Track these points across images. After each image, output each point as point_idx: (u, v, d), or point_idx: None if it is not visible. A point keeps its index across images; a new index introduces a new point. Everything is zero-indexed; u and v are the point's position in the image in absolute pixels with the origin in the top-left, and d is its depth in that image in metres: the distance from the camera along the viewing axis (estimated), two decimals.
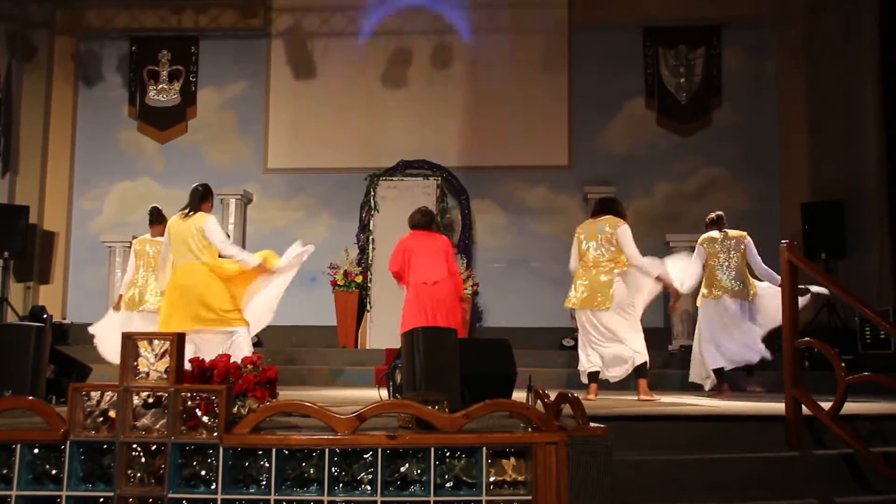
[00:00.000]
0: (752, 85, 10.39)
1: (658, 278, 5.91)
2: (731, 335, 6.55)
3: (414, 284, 6.27)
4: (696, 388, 6.90)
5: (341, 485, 2.90)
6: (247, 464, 2.92)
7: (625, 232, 5.90)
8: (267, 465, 2.90)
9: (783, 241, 4.43)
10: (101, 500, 2.89)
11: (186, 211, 5.70)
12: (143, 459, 2.90)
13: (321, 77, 10.87)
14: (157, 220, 7.03)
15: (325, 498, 2.87)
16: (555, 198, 10.33)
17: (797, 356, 4.29)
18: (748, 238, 6.80)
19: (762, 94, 10.34)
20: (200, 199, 5.74)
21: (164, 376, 2.94)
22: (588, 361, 6.00)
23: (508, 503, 2.90)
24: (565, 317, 6.54)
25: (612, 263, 5.90)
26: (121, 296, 7.19)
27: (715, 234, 6.82)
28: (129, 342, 2.98)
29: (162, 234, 6.20)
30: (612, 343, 5.87)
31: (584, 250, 6.01)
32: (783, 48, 10.37)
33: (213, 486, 2.89)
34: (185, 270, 5.54)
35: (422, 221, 6.49)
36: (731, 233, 6.82)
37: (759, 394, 6.68)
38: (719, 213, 6.96)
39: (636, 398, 5.80)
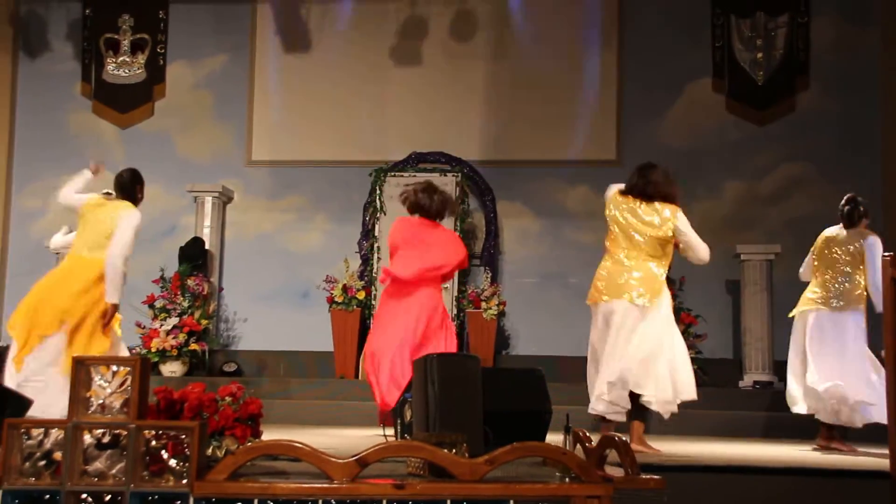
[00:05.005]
0: (849, 60, 10.31)
1: None
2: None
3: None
4: (780, 436, 6.86)
5: None
6: None
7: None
8: None
9: (886, 254, 4.40)
10: None
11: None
12: None
13: (317, 50, 10.93)
14: None
15: None
16: (600, 200, 10.05)
17: None
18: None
19: (861, 71, 10.23)
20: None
21: (124, 410, 2.96)
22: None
23: None
24: None
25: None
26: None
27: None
28: (81, 368, 2.99)
29: None
30: None
31: None
32: (890, 12, 10.16)
33: None
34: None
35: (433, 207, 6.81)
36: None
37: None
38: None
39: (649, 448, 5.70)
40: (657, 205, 5.81)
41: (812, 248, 6.86)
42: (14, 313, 6.05)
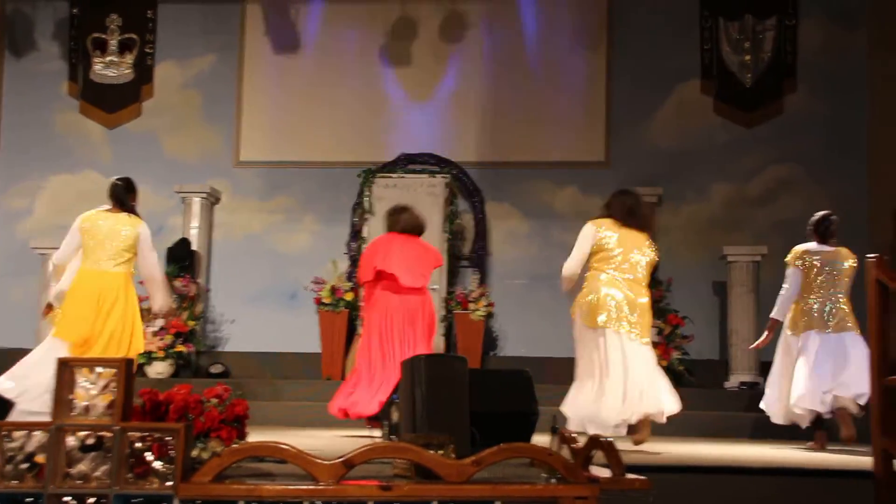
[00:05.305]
0: (836, 63, 10.32)
1: None
2: None
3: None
4: (765, 436, 6.87)
5: None
6: None
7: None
8: None
9: (870, 256, 4.40)
10: None
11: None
12: None
13: (306, 51, 10.91)
14: None
15: None
16: (588, 201, 10.24)
17: (888, 398, 4.25)
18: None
19: (848, 73, 10.24)
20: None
21: (109, 412, 2.94)
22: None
23: None
24: None
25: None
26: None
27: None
28: (65, 369, 2.98)
29: None
30: None
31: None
32: (877, 15, 10.16)
33: None
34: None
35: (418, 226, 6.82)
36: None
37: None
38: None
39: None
40: (643, 238, 5.90)
41: (800, 265, 6.71)
42: (72, 325, 6.13)
